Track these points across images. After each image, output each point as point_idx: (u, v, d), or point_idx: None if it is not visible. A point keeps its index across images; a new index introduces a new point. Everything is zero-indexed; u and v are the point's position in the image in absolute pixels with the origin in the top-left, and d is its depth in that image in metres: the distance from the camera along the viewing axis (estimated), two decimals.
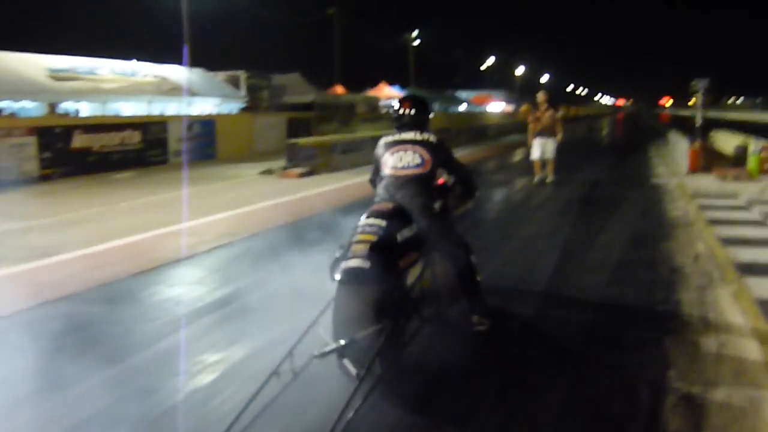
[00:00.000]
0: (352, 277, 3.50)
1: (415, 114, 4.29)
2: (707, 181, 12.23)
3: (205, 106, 24.63)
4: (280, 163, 15.49)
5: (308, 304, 4.08)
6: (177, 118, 19.08)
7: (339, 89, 35.93)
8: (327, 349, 3.37)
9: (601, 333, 4.43)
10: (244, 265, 6.59)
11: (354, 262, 3.51)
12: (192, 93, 23.92)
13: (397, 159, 4.12)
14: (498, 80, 71.63)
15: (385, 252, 3.56)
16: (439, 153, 4.15)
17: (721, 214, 8.62)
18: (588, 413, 3.27)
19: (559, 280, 5.75)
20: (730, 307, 4.78)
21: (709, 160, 14.39)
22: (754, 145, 13.63)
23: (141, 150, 17.50)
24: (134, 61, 24.36)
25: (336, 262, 3.71)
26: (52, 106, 18.94)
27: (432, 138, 4.19)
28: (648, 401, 3.34)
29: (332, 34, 42.84)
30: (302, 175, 14.30)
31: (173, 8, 27.47)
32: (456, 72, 71.85)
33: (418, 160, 4.08)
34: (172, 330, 4.55)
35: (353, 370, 3.30)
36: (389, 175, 4.12)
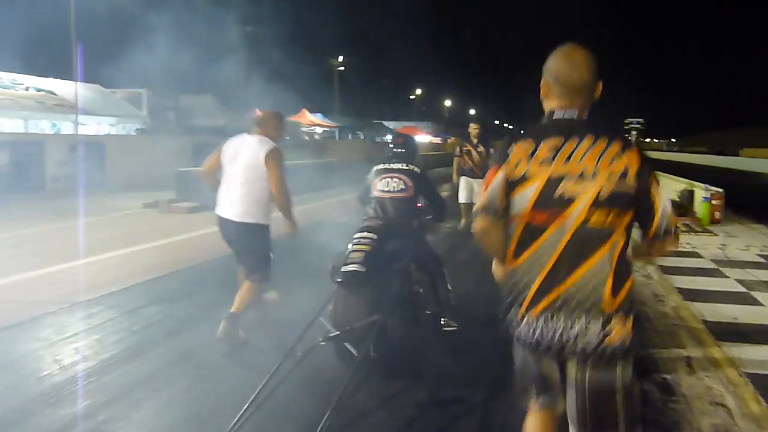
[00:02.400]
0: (350, 279, 4.15)
1: (404, 148, 4.95)
2: None
3: (100, 127, 21.93)
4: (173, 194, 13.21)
5: None
6: (57, 137, 16.43)
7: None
8: (331, 335, 4.02)
9: None
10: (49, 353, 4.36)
11: (352, 267, 4.16)
12: (84, 111, 21.21)
13: (384, 184, 4.70)
14: (426, 112, 71.19)
15: (377, 260, 4.22)
16: (421, 182, 4.75)
17: (693, 282, 6.96)
18: None
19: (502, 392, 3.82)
20: None
21: None
22: (702, 190, 12.31)
23: (9, 174, 14.84)
24: (49, 77, 21.58)
25: (335, 268, 4.25)
26: None
27: (416, 169, 4.77)
28: None
29: (251, 55, 40.51)
30: (192, 210, 12.01)
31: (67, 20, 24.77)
32: (383, 102, 71.03)
33: (402, 186, 4.66)
34: None
35: (354, 351, 3.94)
36: (377, 197, 4.70)
